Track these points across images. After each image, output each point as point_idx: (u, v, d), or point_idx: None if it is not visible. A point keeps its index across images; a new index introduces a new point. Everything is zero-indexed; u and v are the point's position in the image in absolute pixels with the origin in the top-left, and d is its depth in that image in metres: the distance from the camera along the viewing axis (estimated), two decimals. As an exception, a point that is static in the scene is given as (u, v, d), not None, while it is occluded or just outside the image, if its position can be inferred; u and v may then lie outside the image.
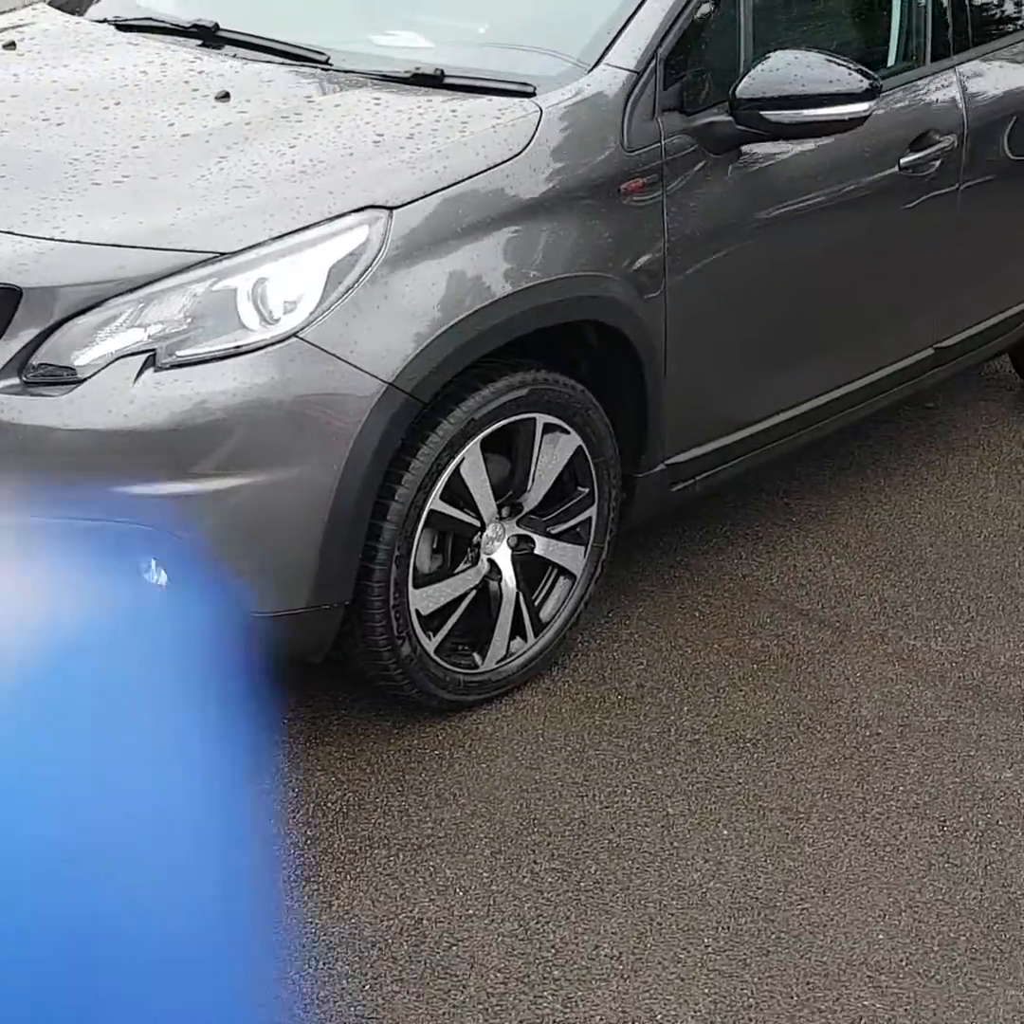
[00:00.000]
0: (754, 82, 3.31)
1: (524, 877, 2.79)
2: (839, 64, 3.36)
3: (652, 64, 3.25)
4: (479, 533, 3.15)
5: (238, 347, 2.70)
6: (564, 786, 3.05)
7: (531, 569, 3.33)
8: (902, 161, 3.86)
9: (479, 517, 3.12)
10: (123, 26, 3.67)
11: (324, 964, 2.56)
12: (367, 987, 2.51)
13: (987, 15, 4.24)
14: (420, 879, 2.77)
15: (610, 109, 3.17)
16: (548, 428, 3.19)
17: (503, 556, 3.24)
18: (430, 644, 3.12)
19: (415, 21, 3.67)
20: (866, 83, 3.36)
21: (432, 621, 3.12)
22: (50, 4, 3.92)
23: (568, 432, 3.23)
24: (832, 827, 2.97)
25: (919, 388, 4.36)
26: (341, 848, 2.84)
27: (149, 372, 2.67)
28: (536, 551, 3.29)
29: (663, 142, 3.25)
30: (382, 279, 2.79)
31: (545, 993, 2.51)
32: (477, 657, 3.25)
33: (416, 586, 3.04)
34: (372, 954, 2.59)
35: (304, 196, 2.81)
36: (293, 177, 2.85)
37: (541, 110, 3.10)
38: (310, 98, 3.15)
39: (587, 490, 3.34)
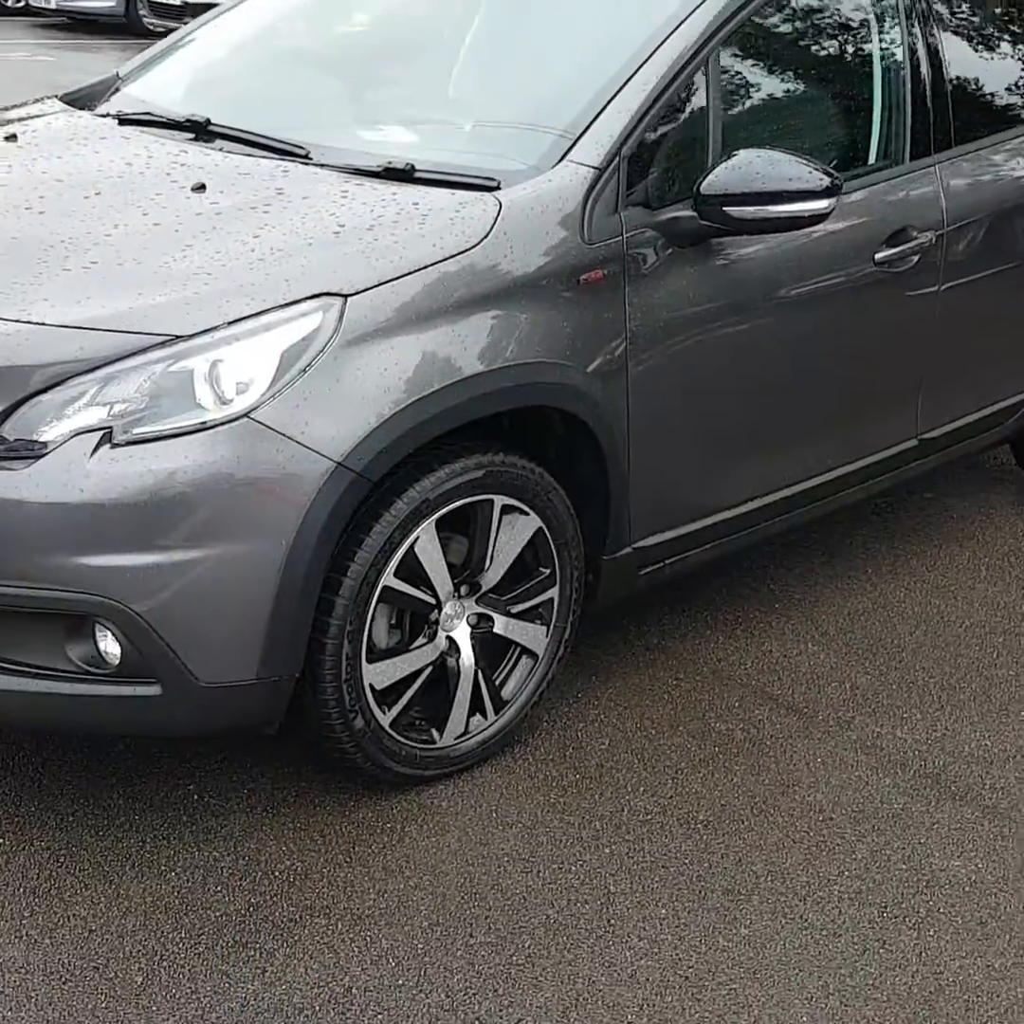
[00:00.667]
0: (718, 179, 3.41)
1: (458, 950, 2.84)
2: (801, 162, 3.45)
3: (616, 161, 3.35)
4: (436, 610, 3.23)
5: (192, 426, 2.80)
6: (511, 862, 3.10)
7: (493, 647, 3.40)
8: (877, 257, 3.94)
9: (435, 595, 3.20)
10: (124, 120, 3.84)
11: (250, 1028, 2.61)
12: (288, 1052, 2.56)
13: (972, 115, 4.32)
14: (356, 948, 2.83)
15: (570, 203, 3.27)
16: (507, 509, 3.27)
17: (462, 634, 3.32)
18: (385, 718, 3.19)
19: (403, 118, 3.81)
20: (826, 181, 3.45)
21: (387, 695, 3.20)
22: (61, 99, 4.10)
23: (527, 513, 3.31)
24: (772, 909, 3.00)
25: (904, 478, 4.41)
26: (282, 916, 2.90)
27: (105, 448, 2.78)
28: (496, 630, 3.36)
29: (625, 236, 3.34)
30: (335, 363, 2.90)
31: (462, 1063, 2.55)
32: (435, 732, 3.32)
33: (370, 661, 3.12)
34: (298, 1020, 2.64)
35: (260, 283, 2.93)
36: (252, 265, 2.98)
37: (501, 204, 3.21)
38: (281, 190, 3.29)
39: (549, 570, 3.41)
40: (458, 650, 3.31)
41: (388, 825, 3.20)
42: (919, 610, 4.32)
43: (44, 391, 2.82)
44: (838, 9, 4.12)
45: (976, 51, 4.44)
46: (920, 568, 4.59)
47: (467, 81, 3.92)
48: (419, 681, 3.25)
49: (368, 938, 2.86)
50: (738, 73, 3.81)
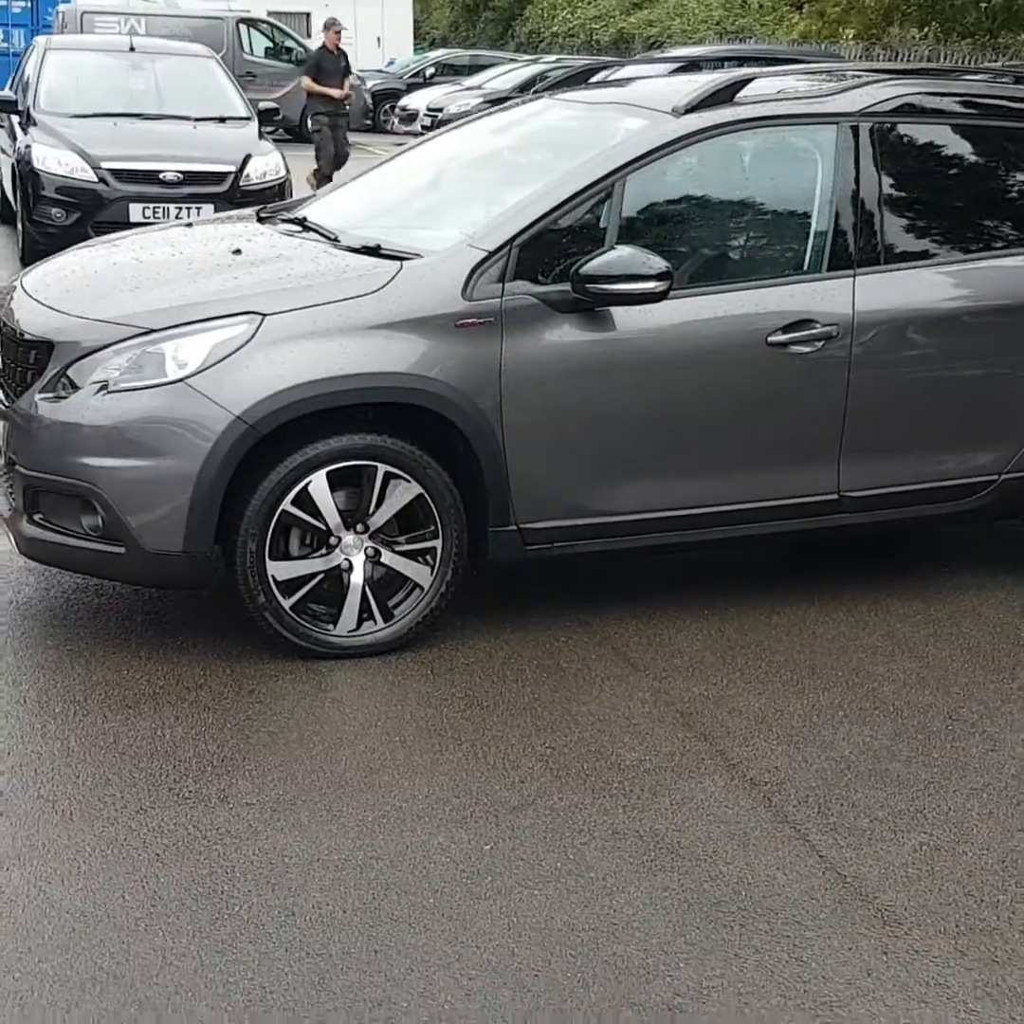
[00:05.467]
0: (587, 264, 4.81)
1: (239, 731, 4.38)
2: (645, 255, 4.79)
3: (507, 248, 4.83)
4: (331, 536, 4.79)
5: (151, 384, 4.58)
6: (333, 704, 4.59)
7: (392, 577, 4.91)
8: (770, 339, 5.13)
9: (325, 523, 4.77)
10: (285, 221, 5.73)
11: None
12: None
13: (904, 243, 5.38)
14: (200, 718, 4.44)
15: (457, 271, 4.79)
16: (391, 475, 4.80)
17: (358, 559, 4.85)
18: (285, 602, 4.78)
19: (426, 223, 5.47)
20: (659, 269, 4.77)
21: (290, 586, 4.78)
22: (256, 211, 6.05)
23: (409, 481, 4.82)
24: (498, 761, 4.32)
25: (827, 525, 5.43)
26: (172, 693, 4.56)
27: (102, 393, 4.61)
28: (383, 560, 4.87)
29: (503, 298, 4.81)
30: (248, 355, 4.59)
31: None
32: (331, 625, 4.87)
33: (273, 558, 4.74)
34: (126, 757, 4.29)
35: (214, 303, 4.69)
36: (217, 293, 4.75)
37: (402, 267, 4.81)
38: (281, 255, 5.06)
39: (432, 527, 4.89)
40: (352, 569, 4.84)
41: (273, 671, 4.77)
42: (822, 631, 5.32)
43: (84, 356, 4.69)
44: (783, 149, 5.37)
45: (917, 190, 5.47)
46: (865, 609, 5.54)
47: (469, 202, 5.52)
48: (313, 582, 4.81)
49: (206, 712, 4.45)
50: (658, 194, 5.18)
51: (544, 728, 4.48)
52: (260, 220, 5.75)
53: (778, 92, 5.43)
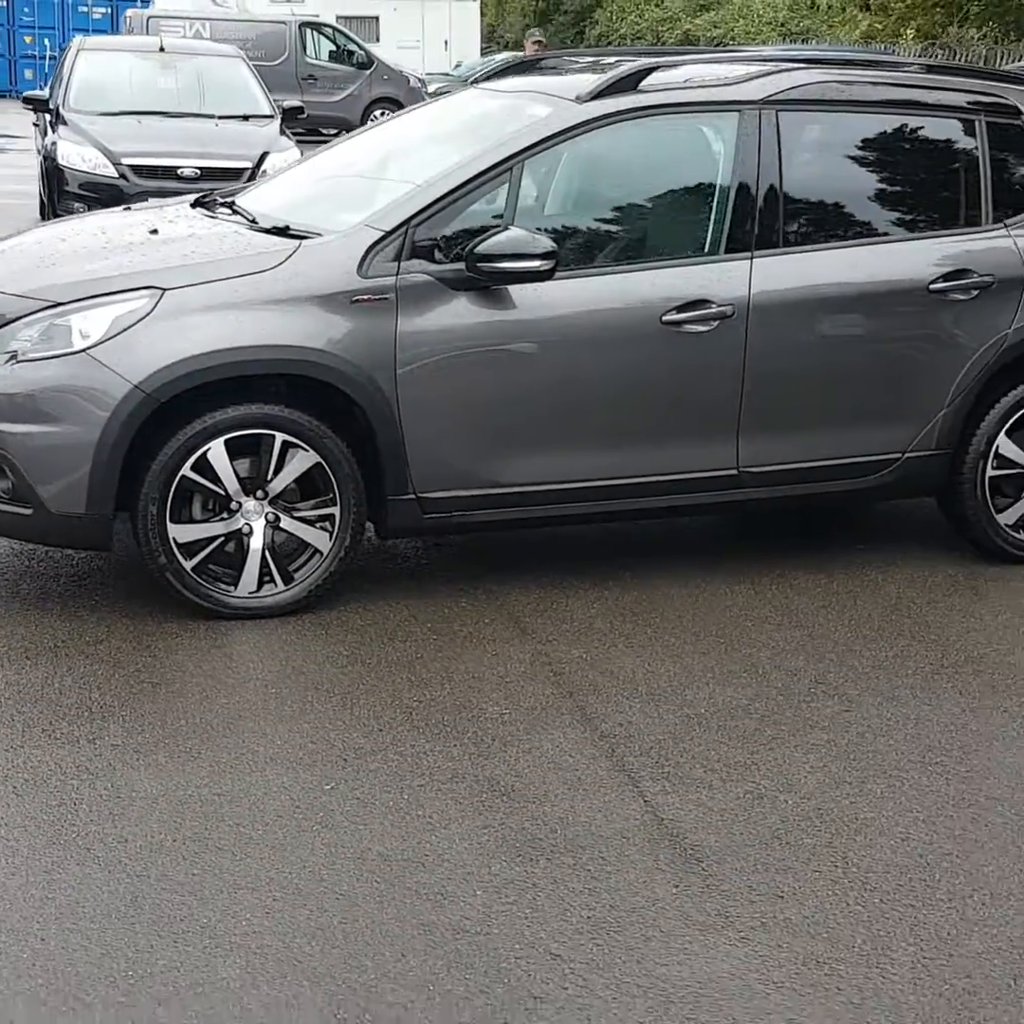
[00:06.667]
0: (480, 244, 5.03)
1: (135, 666, 4.65)
2: (531, 236, 5.00)
3: (402, 228, 5.07)
4: (231, 501, 5.04)
5: (57, 354, 4.86)
6: (227, 658, 4.85)
7: (294, 543, 5.16)
8: (664, 318, 5.32)
9: (224, 489, 5.02)
10: (219, 206, 6.00)
11: (-11, 686, 4.57)
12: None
13: (805, 227, 5.55)
14: (107, 666, 4.71)
15: (353, 250, 5.03)
16: (289, 444, 5.05)
17: (259, 524, 5.10)
18: (187, 564, 5.04)
19: (339, 208, 5.69)
20: (544, 249, 4.99)
21: (191, 548, 5.05)
22: (191, 205, 6.29)
23: (307, 450, 5.06)
24: (373, 707, 4.56)
25: (732, 499, 5.61)
26: (84, 642, 4.84)
27: (13, 363, 4.90)
28: (282, 525, 5.12)
29: (398, 276, 5.05)
30: (147, 328, 4.85)
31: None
32: (232, 587, 5.12)
33: (173, 521, 5.00)
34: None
35: (118, 278, 4.97)
36: (122, 268, 5.03)
37: (300, 246, 5.06)
38: (195, 235, 5.32)
39: (331, 494, 5.13)
40: (253, 533, 5.10)
41: (175, 630, 5.03)
42: (718, 602, 5.49)
43: (2, 327, 4.98)
44: (684, 134, 5.56)
45: (817, 177, 5.63)
46: (767, 583, 5.72)
47: (388, 187, 5.73)
48: (213, 545, 5.06)
49: (100, 664, 4.72)
50: (558, 178, 5.39)
51: (418, 684, 4.70)
52: (195, 205, 6.01)
53: (685, 80, 5.61)
